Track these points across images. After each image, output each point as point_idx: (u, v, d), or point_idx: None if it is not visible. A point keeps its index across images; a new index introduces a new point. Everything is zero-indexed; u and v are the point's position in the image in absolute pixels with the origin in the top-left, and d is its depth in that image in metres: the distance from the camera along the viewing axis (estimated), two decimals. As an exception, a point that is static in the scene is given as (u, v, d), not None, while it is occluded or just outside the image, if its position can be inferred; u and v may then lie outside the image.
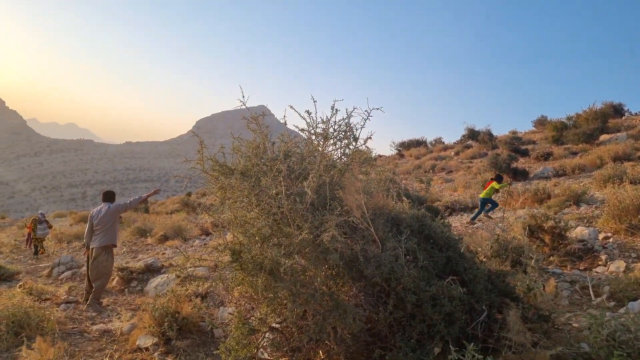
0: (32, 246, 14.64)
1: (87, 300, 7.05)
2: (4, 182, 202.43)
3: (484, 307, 3.35)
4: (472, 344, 2.83)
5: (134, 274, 8.70)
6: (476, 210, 10.93)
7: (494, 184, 10.61)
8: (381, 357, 3.06)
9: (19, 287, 7.61)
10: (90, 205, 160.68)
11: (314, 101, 3.44)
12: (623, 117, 27.80)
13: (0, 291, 7.74)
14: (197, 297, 6.20)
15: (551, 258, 6.06)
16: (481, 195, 10.68)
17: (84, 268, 9.62)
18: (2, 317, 5.07)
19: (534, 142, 27.46)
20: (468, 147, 30.55)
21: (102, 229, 7.00)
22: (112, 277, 8.29)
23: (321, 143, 3.41)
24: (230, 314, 5.01)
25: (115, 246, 7.31)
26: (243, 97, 3.45)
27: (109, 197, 7.40)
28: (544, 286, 4.11)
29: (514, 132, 34.25)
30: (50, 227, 15.31)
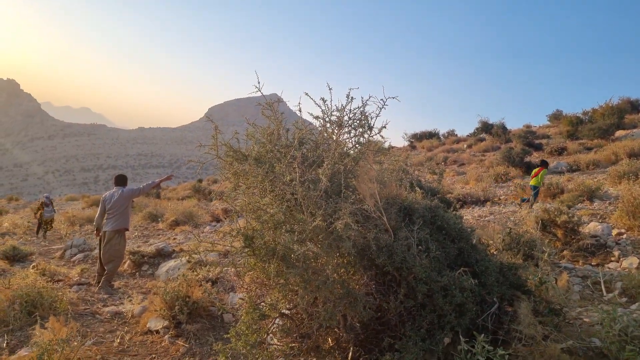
0: (39, 227, 15.11)
1: (99, 282, 7.16)
2: (18, 164, 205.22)
3: (495, 299, 3.35)
4: (483, 335, 2.83)
5: (145, 258, 8.81)
6: (528, 198, 10.74)
7: (544, 171, 10.62)
8: (390, 345, 3.07)
9: (32, 268, 7.76)
10: (102, 189, 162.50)
11: (330, 88, 3.43)
12: (640, 113, 27.39)
13: (14, 271, 7.90)
14: (207, 282, 6.27)
15: (563, 253, 6.02)
16: (532, 183, 10.59)
17: (96, 251, 9.76)
18: (16, 296, 5.17)
19: (548, 137, 27.17)
20: (481, 140, 30.32)
21: (115, 213, 7.08)
22: (123, 261, 8.40)
23: (335, 131, 3.40)
24: (241, 299, 5.05)
25: (128, 230, 7.39)
26: (258, 83, 3.45)
27: (121, 180, 7.46)
28: (556, 280, 4.09)
29: (528, 126, 33.92)
30: (54, 209, 15.82)
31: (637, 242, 6.16)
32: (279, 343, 3.57)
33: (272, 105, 3.54)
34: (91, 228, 15.85)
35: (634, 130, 21.27)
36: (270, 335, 3.53)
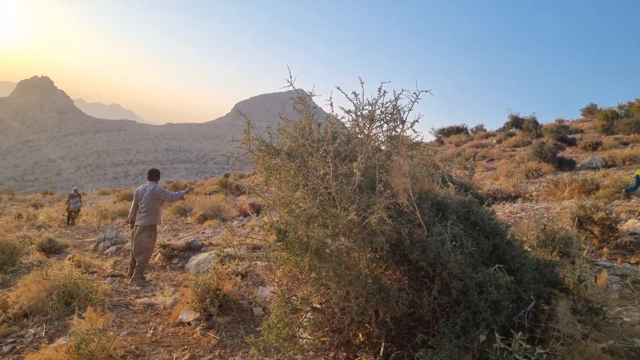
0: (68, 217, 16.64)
1: (131, 274, 7.32)
2: (52, 159, 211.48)
3: (531, 296, 3.27)
4: (520, 332, 2.77)
5: (175, 251, 8.96)
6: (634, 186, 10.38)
7: None
8: (424, 342, 3.03)
9: (68, 260, 7.97)
10: (132, 184, 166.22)
11: (362, 82, 3.40)
12: (679, 107, 26.34)
13: (50, 262, 8.15)
14: (237, 275, 6.33)
15: (601, 250, 5.84)
16: (638, 172, 10.29)
17: (128, 243, 9.98)
18: (53, 287, 5.32)
19: (582, 132, 26.44)
20: (511, 135, 29.70)
21: (147, 209, 7.24)
22: (154, 254, 8.57)
23: (367, 125, 3.37)
24: (272, 292, 5.08)
25: (159, 224, 7.56)
26: (290, 77, 3.44)
27: (154, 175, 7.61)
28: (595, 278, 3.97)
29: (561, 121, 33.05)
30: (81, 201, 17.45)
31: (678, 240, 5.93)
32: (310, 337, 3.58)
33: (304, 99, 3.54)
34: (122, 221, 16.24)
35: (673, 124, 20.50)
36: (302, 329, 3.54)
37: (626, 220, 6.73)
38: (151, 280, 7.44)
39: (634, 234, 6.14)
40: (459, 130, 36.27)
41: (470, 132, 36.23)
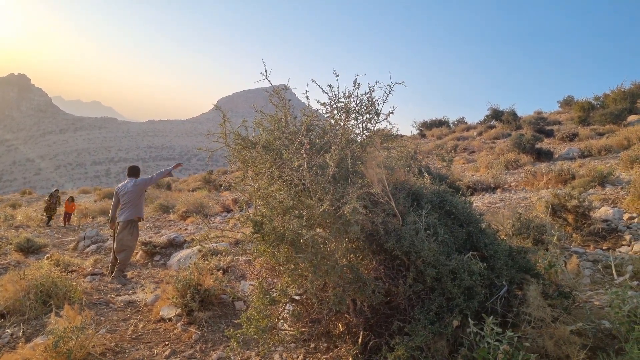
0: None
1: (112, 272, 7.27)
2: (31, 158, 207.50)
3: (504, 282, 3.35)
4: (491, 317, 2.84)
5: (157, 248, 8.91)
6: None
7: None
8: (400, 329, 3.10)
9: (46, 259, 7.88)
10: (113, 182, 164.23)
11: (336, 75, 3.43)
12: (653, 97, 26.96)
13: (28, 262, 8.04)
14: (218, 270, 6.33)
15: (573, 236, 5.99)
16: None
17: (109, 242, 9.89)
18: (31, 286, 5.26)
19: (559, 123, 26.90)
20: (491, 127, 30.08)
21: (129, 203, 7.18)
22: (136, 251, 8.51)
23: (343, 117, 3.41)
24: (251, 285, 5.10)
25: (142, 219, 7.49)
26: (265, 71, 3.46)
27: (134, 171, 7.55)
28: (565, 263, 4.08)
29: (539, 113, 33.56)
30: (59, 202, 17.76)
31: (649, 226, 6.11)
32: (289, 328, 3.62)
33: (279, 92, 3.56)
34: (103, 220, 16.07)
35: (647, 114, 20.98)
36: (282, 320, 3.57)
37: (599, 208, 6.90)
38: (132, 278, 7.39)
39: (606, 220, 6.31)
40: (440, 123, 36.58)
41: (451, 125, 36.57)
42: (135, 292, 6.38)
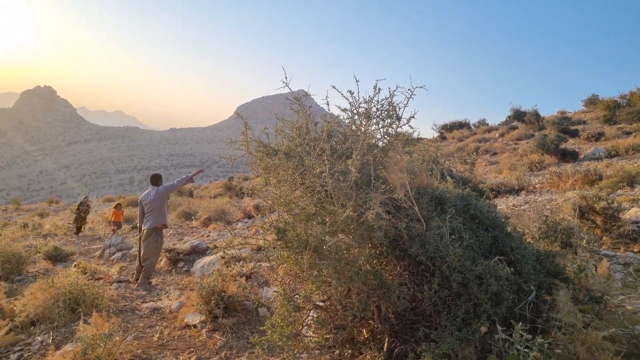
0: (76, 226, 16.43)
1: (137, 279, 7.38)
2: (57, 168, 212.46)
3: (532, 287, 3.28)
4: (520, 323, 2.78)
5: (180, 255, 9.01)
6: None
7: None
8: (426, 335, 3.05)
9: (73, 267, 8.03)
10: (137, 190, 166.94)
11: (357, 80, 3.42)
12: (682, 94, 26.20)
13: (56, 270, 8.21)
14: (242, 277, 6.37)
15: (603, 239, 5.83)
16: None
17: (134, 249, 10.05)
18: (60, 294, 5.36)
19: (584, 122, 26.34)
20: (513, 128, 29.63)
21: (153, 211, 7.29)
22: (160, 258, 8.62)
23: (364, 123, 3.40)
24: (275, 292, 5.11)
25: (166, 226, 7.59)
26: (286, 78, 3.47)
27: (156, 179, 7.68)
28: (595, 267, 3.97)
29: (563, 112, 32.93)
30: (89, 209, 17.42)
31: (682, 227, 5.91)
32: (314, 335, 3.60)
33: (300, 99, 3.56)
34: (128, 228, 16.33)
35: (676, 112, 20.41)
36: (306, 327, 3.56)
37: (629, 209, 6.72)
38: (157, 285, 7.49)
39: (637, 222, 6.13)
40: (461, 125, 36.18)
41: (472, 127, 36.14)
42: (160, 299, 6.45)
